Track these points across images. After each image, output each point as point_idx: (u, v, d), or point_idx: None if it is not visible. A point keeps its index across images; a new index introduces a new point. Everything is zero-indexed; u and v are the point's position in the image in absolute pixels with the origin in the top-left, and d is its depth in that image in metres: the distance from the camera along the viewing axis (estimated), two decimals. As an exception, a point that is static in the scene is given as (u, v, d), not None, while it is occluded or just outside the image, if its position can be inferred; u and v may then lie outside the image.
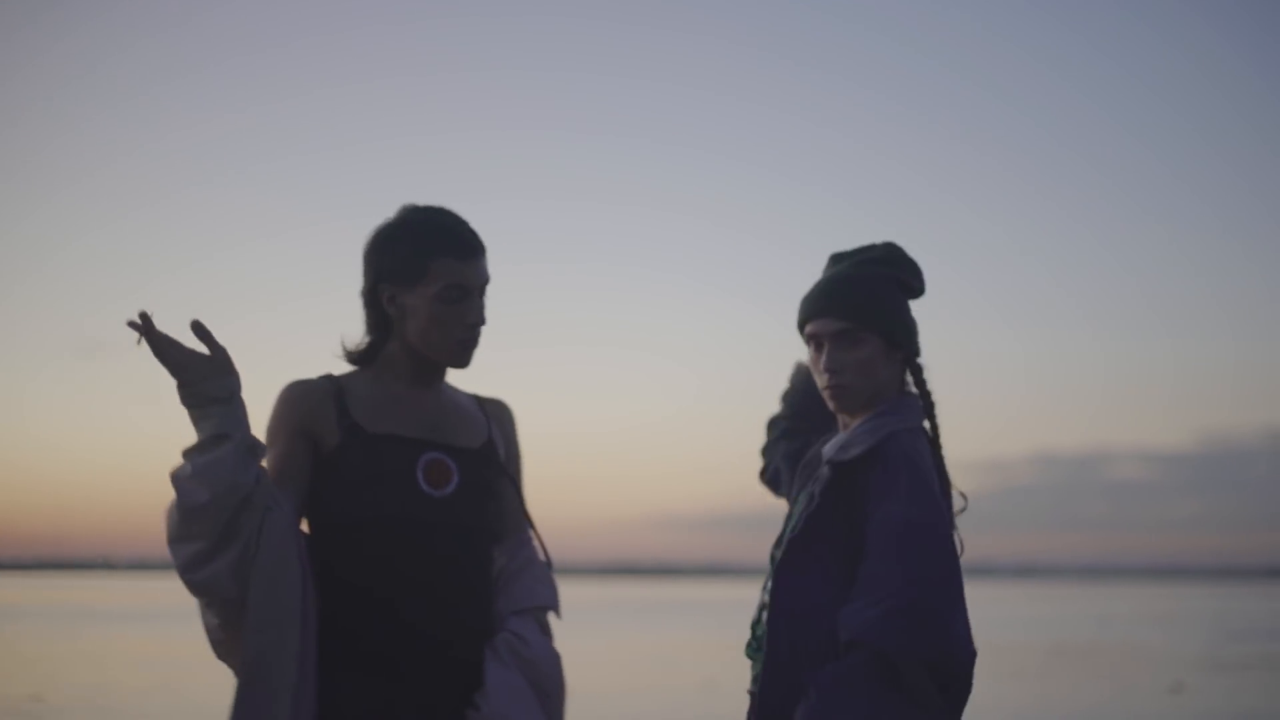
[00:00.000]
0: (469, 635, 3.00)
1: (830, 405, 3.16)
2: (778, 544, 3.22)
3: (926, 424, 3.18)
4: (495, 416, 3.22)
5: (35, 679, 19.91)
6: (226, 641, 2.91)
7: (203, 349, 2.85)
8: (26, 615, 44.08)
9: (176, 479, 2.81)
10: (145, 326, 2.78)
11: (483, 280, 3.05)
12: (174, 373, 2.82)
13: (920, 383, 3.20)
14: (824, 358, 3.11)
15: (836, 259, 3.24)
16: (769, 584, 3.12)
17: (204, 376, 2.82)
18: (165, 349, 2.81)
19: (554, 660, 3.06)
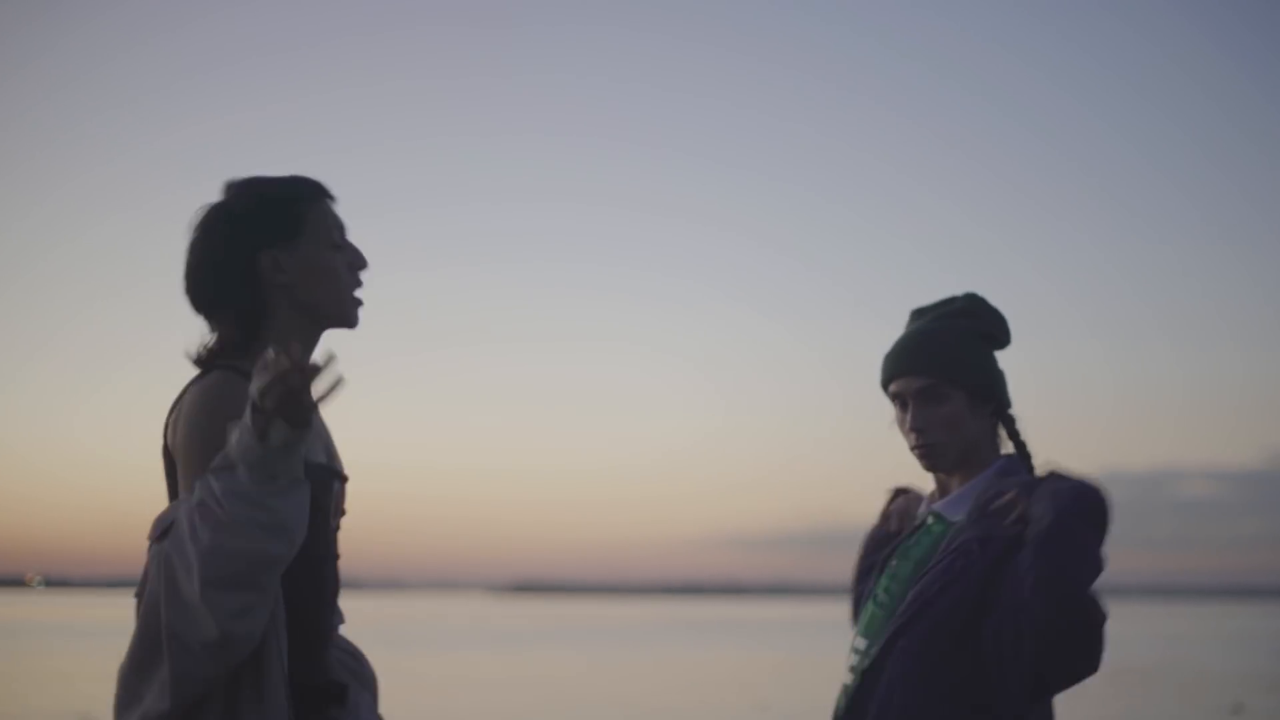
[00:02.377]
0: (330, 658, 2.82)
1: (921, 465, 3.07)
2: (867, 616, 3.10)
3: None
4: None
5: (85, 697, 20.01)
6: (203, 692, 2.54)
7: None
8: (83, 633, 44.38)
9: (259, 524, 2.46)
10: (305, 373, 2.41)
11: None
12: (303, 418, 2.44)
13: (1014, 434, 3.11)
14: (910, 416, 3.03)
15: (917, 314, 3.17)
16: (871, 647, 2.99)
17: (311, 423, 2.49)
18: (305, 392, 2.43)
19: (375, 679, 2.90)
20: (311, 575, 2.69)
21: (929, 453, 3.03)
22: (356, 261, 2.80)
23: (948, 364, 3.01)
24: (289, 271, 2.72)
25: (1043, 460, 3.07)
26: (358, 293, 2.81)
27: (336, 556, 2.79)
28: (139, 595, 2.57)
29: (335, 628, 2.81)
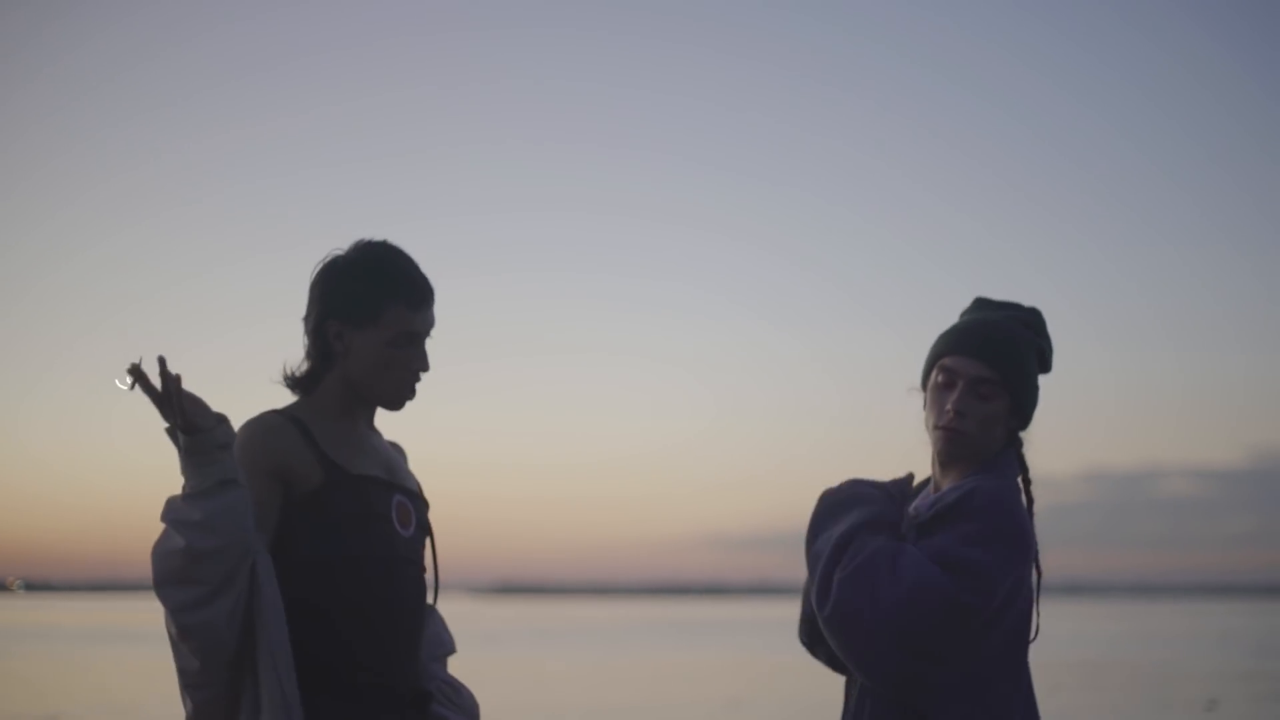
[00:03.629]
0: (418, 668, 3.15)
1: (936, 445, 3.08)
2: None
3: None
4: (405, 460, 3.32)
5: (56, 699, 19.98)
6: (204, 685, 2.93)
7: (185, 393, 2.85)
8: (58, 637, 44.29)
9: (182, 523, 2.82)
10: (144, 378, 2.80)
11: (430, 327, 3.09)
12: (186, 423, 2.82)
13: (1019, 456, 3.15)
14: (955, 396, 3.04)
15: (983, 304, 3.20)
16: None
17: (213, 424, 2.84)
18: (174, 398, 2.82)
19: (477, 708, 3.27)
20: (376, 575, 3.03)
21: (954, 437, 3.04)
22: (416, 365, 3.08)
23: (1013, 369, 3.06)
24: (346, 345, 3.06)
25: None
26: (413, 386, 3.11)
27: (411, 562, 3.12)
28: None
29: (418, 633, 3.14)
